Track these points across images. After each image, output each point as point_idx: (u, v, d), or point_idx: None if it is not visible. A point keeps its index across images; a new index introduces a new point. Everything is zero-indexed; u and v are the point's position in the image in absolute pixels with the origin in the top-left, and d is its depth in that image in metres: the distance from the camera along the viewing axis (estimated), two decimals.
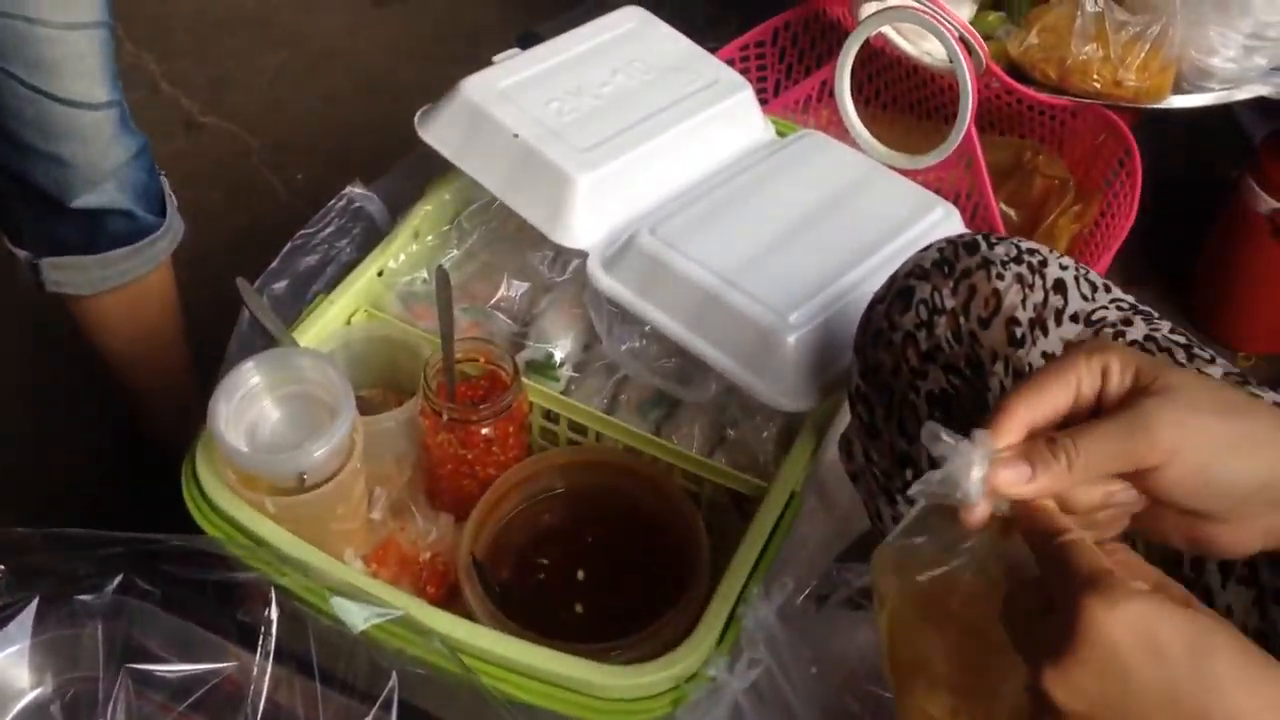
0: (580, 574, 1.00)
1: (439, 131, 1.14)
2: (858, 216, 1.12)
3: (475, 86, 1.14)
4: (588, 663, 0.86)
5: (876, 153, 1.32)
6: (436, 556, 1.01)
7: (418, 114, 1.16)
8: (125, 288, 1.20)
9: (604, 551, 1.02)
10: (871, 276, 1.04)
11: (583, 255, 1.08)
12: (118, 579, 0.76)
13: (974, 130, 1.30)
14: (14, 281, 1.25)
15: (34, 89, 1.04)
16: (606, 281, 1.06)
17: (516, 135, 1.09)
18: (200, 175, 1.81)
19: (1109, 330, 0.78)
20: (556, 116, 1.12)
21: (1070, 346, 0.61)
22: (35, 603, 0.74)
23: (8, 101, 1.05)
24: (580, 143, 1.10)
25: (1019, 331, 0.78)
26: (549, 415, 1.08)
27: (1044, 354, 0.78)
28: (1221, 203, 1.58)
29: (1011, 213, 1.43)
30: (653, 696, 0.86)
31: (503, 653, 0.85)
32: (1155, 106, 1.40)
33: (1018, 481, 0.56)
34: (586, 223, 1.09)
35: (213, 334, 1.16)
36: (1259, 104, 1.48)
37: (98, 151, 1.10)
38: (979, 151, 1.30)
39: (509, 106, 1.12)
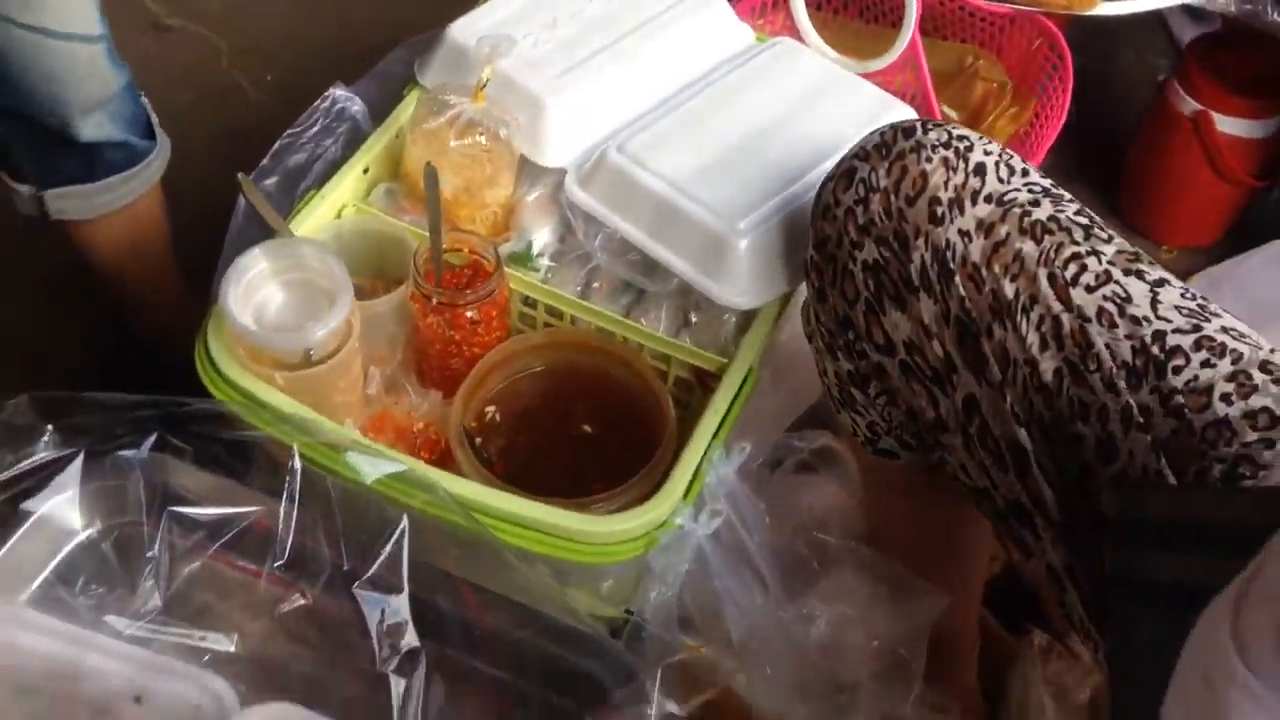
0: (559, 442, 1.11)
1: (434, 75, 1.24)
2: (820, 121, 1.19)
3: (460, 30, 1.24)
4: (573, 513, 0.97)
5: (828, 57, 1.41)
6: (429, 426, 1.11)
7: (416, 63, 1.27)
8: (122, 210, 1.27)
9: (581, 422, 1.12)
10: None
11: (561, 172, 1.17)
12: (153, 437, 0.85)
13: (918, 36, 1.38)
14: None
15: (31, 28, 1.09)
16: (581, 196, 1.16)
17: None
18: (171, 78, 1.86)
19: (1017, 210, 0.87)
20: (532, 48, 1.21)
21: None
22: (81, 456, 0.84)
23: (6, 46, 1.10)
24: (553, 70, 1.19)
25: (939, 210, 0.86)
26: (527, 301, 1.17)
27: (959, 230, 0.86)
28: (1150, 104, 1.69)
29: (954, 114, 1.52)
30: (629, 541, 0.97)
31: (498, 505, 0.96)
32: (1087, 14, 1.49)
33: None
34: (562, 143, 1.18)
35: (192, 232, 1.23)
36: (1186, 10, 1.57)
37: (94, 85, 1.16)
38: (922, 57, 1.39)
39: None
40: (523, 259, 1.17)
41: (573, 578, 1.02)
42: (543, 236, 1.18)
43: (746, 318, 1.13)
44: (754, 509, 1.02)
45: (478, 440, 1.07)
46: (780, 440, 1.20)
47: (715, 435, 1.03)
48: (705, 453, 1.02)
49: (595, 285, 1.17)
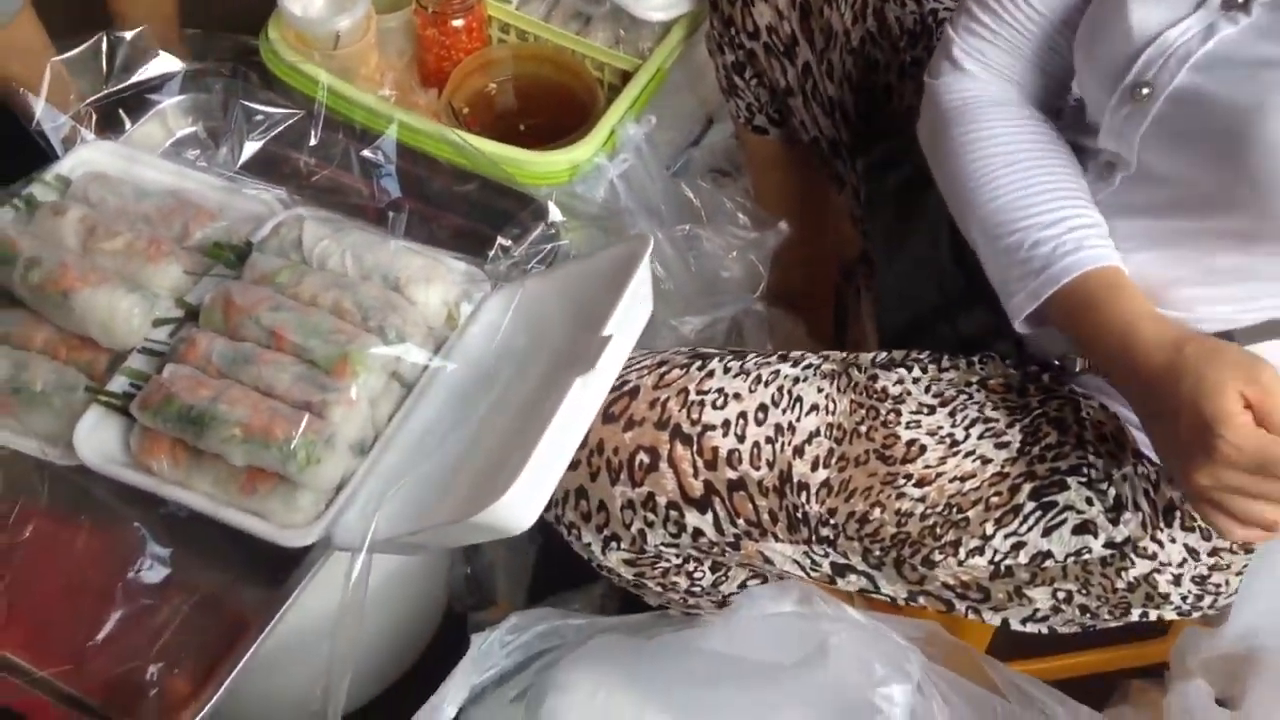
0: (519, 126, 1.50)
1: None
2: None
3: None
4: (518, 148, 1.37)
5: None
6: (427, 112, 1.50)
7: None
8: None
9: (537, 115, 1.51)
10: None
11: None
12: (231, 64, 1.26)
13: None
14: None
15: None
16: None
17: None
18: None
19: None
20: None
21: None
22: (181, 72, 1.24)
23: None
24: None
25: None
26: (504, 29, 1.56)
27: None
28: None
29: None
30: (559, 170, 1.37)
31: (466, 142, 1.36)
32: None
33: None
34: None
35: None
36: None
37: None
38: None
39: None
40: None
41: None
42: None
43: (664, 34, 1.51)
44: (656, 163, 1.42)
45: (462, 113, 1.47)
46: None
47: (630, 108, 1.42)
48: (621, 119, 1.41)
49: (554, 13, 1.56)
